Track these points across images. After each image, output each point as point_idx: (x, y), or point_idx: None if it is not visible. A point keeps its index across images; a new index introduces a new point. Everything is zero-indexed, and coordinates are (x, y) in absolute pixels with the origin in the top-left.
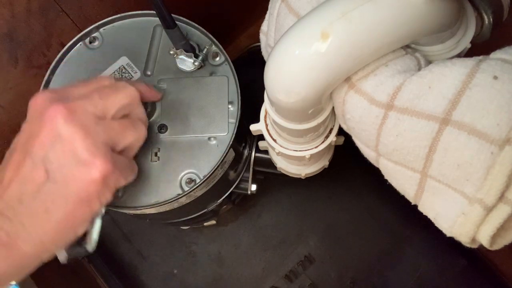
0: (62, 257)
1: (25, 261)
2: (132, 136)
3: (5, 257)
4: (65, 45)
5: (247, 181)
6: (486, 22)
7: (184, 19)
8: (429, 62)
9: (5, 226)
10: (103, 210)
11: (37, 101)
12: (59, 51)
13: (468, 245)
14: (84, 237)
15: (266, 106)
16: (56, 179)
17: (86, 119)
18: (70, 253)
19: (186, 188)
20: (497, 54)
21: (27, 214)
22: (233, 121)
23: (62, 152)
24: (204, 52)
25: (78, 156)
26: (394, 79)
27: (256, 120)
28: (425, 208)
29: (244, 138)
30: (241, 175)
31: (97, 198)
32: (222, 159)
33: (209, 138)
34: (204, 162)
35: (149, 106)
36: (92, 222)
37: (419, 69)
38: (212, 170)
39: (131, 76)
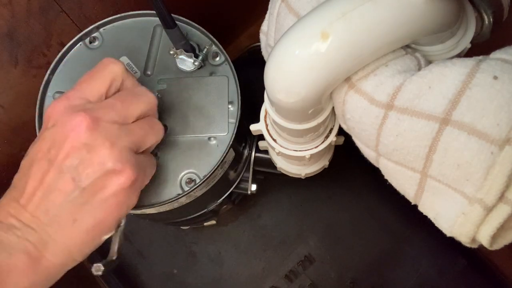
0: (99, 269)
1: (53, 272)
2: (154, 139)
3: (34, 270)
4: (65, 45)
5: (247, 181)
6: (486, 22)
7: (184, 19)
8: (429, 62)
9: (31, 238)
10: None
11: (57, 110)
12: (59, 51)
13: (468, 245)
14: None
15: (266, 106)
16: (84, 188)
17: (110, 127)
18: (105, 265)
19: (186, 188)
20: (497, 54)
21: (55, 225)
22: (233, 121)
23: (89, 162)
24: (204, 52)
25: (106, 165)
26: (394, 79)
27: (256, 120)
28: (425, 208)
29: (244, 138)
30: (241, 175)
31: (126, 204)
32: (222, 159)
33: (209, 138)
34: (204, 162)
35: None
36: (116, 230)
37: (419, 69)
38: (212, 170)
39: None
